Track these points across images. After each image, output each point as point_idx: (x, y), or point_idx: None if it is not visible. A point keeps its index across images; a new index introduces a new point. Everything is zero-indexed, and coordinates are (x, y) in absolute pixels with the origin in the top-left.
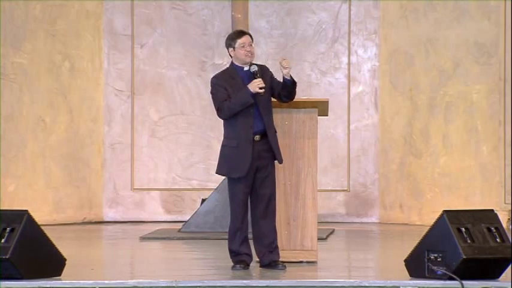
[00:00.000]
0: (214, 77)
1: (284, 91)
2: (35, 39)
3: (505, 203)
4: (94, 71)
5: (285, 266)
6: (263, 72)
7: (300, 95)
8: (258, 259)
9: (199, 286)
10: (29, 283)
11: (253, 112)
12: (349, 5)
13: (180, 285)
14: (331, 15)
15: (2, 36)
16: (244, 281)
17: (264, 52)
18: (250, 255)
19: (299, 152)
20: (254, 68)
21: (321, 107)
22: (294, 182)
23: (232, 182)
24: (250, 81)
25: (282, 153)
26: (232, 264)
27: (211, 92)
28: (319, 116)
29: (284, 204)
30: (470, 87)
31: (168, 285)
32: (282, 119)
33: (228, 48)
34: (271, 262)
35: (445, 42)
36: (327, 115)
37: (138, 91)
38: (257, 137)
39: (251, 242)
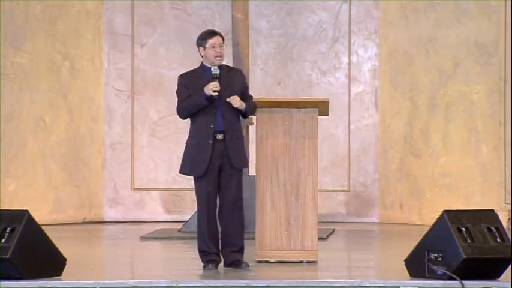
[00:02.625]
0: (181, 76)
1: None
2: (35, 39)
3: (505, 203)
4: (94, 71)
5: (248, 265)
6: (235, 76)
7: (300, 94)
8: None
9: (199, 286)
10: (29, 283)
11: (216, 111)
12: (350, 5)
13: (180, 285)
14: (332, 15)
15: (2, 36)
16: (244, 281)
17: (264, 52)
18: (219, 255)
19: (299, 152)
20: (216, 71)
21: (321, 107)
22: (294, 182)
23: (196, 180)
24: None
25: (246, 154)
26: (203, 264)
27: (176, 91)
28: (319, 115)
29: (284, 204)
30: (470, 87)
31: (168, 285)
32: (282, 119)
33: (198, 48)
34: (234, 261)
35: (445, 42)
36: (327, 115)
37: (138, 91)
38: (219, 136)
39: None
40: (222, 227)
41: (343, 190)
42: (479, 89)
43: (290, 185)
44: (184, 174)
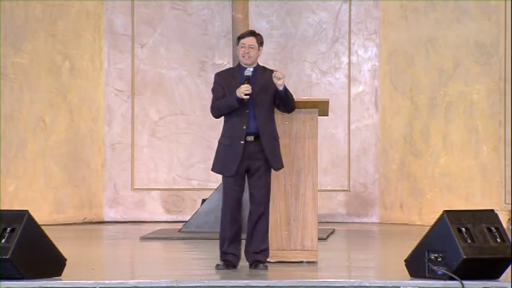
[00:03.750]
0: (217, 74)
1: (279, 101)
2: (35, 39)
3: (505, 203)
4: (94, 71)
5: (266, 267)
6: (270, 77)
7: (300, 95)
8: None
9: (199, 286)
10: (29, 283)
11: (249, 113)
12: (350, 5)
13: (180, 285)
14: (332, 15)
15: (2, 36)
16: (244, 281)
17: (264, 52)
18: (237, 256)
19: (299, 152)
20: (248, 73)
21: (321, 107)
22: (294, 182)
23: (224, 180)
24: (250, 83)
25: (281, 156)
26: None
27: (211, 89)
28: (319, 116)
29: (284, 204)
30: (470, 87)
31: (168, 285)
32: (282, 119)
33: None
34: (253, 262)
35: (445, 42)
36: (327, 115)
37: (138, 91)
38: (250, 138)
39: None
40: (248, 227)
41: (343, 190)
42: (479, 89)
43: (290, 185)
44: (216, 173)
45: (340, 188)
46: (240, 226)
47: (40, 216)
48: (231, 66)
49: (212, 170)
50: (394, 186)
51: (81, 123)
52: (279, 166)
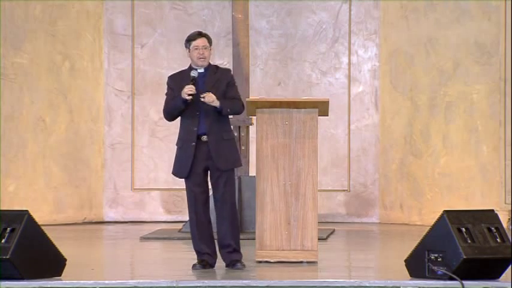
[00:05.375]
0: (169, 77)
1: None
2: (35, 39)
3: (505, 203)
4: (94, 71)
5: (244, 266)
6: (222, 77)
7: (300, 95)
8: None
9: (199, 286)
10: (29, 283)
11: (199, 114)
12: (350, 5)
13: (180, 285)
14: (332, 15)
15: (2, 36)
16: (245, 281)
17: (265, 52)
18: (211, 255)
19: (299, 152)
20: (194, 74)
21: (322, 107)
22: (294, 182)
23: (185, 182)
24: (197, 84)
25: (236, 155)
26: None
27: (165, 93)
28: (319, 116)
29: (284, 205)
30: (471, 87)
31: (168, 285)
32: (282, 119)
33: (186, 49)
34: (230, 262)
35: (445, 42)
36: (327, 115)
37: (138, 91)
38: (204, 138)
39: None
40: (216, 227)
41: (343, 190)
42: (479, 89)
43: (290, 185)
44: (174, 176)
45: (340, 188)
46: (208, 225)
47: (40, 216)
48: (231, 66)
49: (172, 173)
50: (394, 186)
51: (81, 123)
52: (227, 167)
